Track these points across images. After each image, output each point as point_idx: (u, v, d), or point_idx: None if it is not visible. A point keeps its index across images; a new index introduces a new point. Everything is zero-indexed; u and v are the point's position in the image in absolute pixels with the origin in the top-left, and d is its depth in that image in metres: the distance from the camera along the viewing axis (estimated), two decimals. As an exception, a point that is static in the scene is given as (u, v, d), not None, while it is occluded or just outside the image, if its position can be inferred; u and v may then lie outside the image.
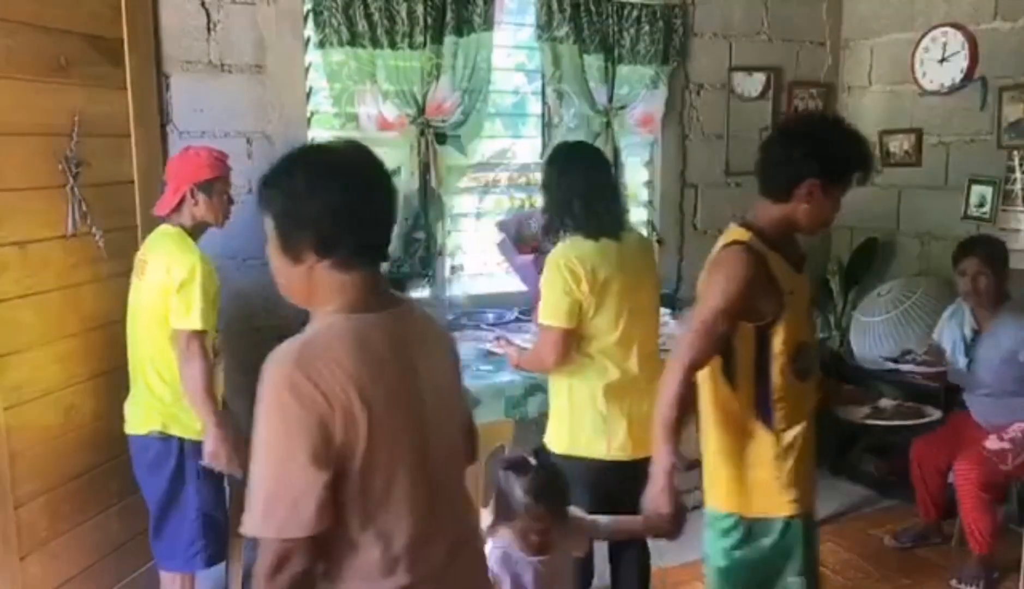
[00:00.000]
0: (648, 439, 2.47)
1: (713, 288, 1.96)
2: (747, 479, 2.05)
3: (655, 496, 1.95)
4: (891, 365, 3.82)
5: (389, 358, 1.39)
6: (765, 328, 1.96)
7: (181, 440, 2.56)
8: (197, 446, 2.54)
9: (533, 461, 2.11)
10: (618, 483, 2.52)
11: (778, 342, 1.96)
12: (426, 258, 3.69)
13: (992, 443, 3.24)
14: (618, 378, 2.43)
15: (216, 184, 2.61)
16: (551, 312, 2.42)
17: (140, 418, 2.58)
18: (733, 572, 2.12)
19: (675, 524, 1.99)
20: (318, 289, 1.40)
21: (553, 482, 2.09)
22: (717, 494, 2.13)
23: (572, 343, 2.43)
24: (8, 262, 2.43)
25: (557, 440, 2.52)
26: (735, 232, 2.01)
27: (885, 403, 3.97)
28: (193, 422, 2.53)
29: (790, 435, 2.02)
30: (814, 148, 1.94)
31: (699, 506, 2.24)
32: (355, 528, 1.34)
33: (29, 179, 2.51)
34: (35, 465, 2.54)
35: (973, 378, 3.44)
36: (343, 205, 1.37)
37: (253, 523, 1.28)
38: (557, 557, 2.12)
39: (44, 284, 2.56)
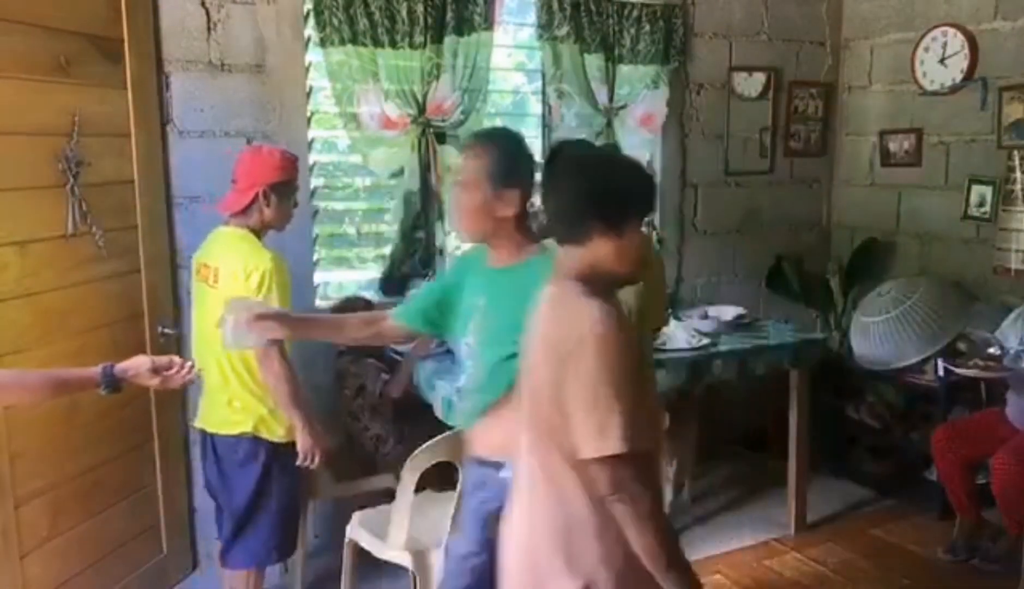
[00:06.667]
0: None
1: None
2: None
3: None
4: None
5: None
6: None
7: (270, 442, 2.59)
8: (281, 447, 2.60)
9: None
10: None
11: None
12: (426, 258, 3.69)
13: None
14: None
15: (288, 187, 2.63)
16: None
17: (231, 420, 2.59)
18: None
19: None
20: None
21: None
22: None
23: None
24: (8, 262, 2.43)
25: None
26: None
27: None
28: (278, 426, 2.59)
29: None
30: None
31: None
32: None
33: (29, 179, 2.51)
34: (36, 464, 2.53)
35: None
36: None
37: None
38: None
39: (44, 284, 2.56)
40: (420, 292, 2.31)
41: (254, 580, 2.71)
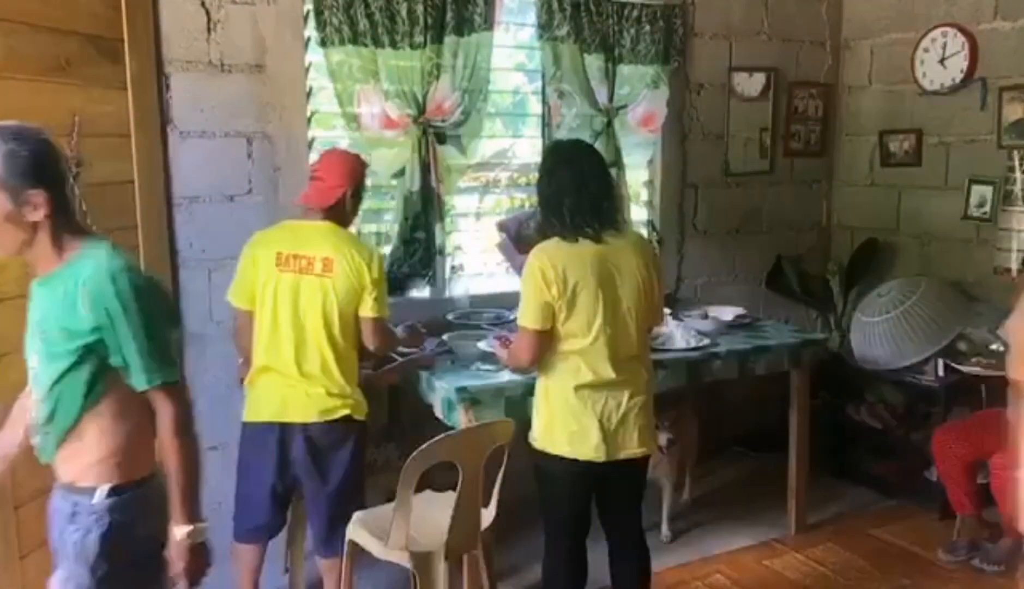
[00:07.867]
0: (623, 442, 2.48)
1: None
2: None
3: None
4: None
5: None
6: None
7: (359, 422, 2.76)
8: (365, 427, 2.80)
9: None
10: (592, 482, 2.54)
11: None
12: (426, 258, 3.69)
13: None
14: (591, 380, 2.43)
15: (363, 190, 2.85)
16: (523, 314, 2.46)
17: (330, 406, 2.69)
18: None
19: None
20: None
21: None
22: None
23: (544, 344, 2.46)
24: (8, 262, 2.43)
25: (537, 437, 2.53)
26: None
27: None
28: (365, 407, 2.77)
29: None
30: None
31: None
32: None
33: (29, 179, 2.51)
34: (35, 465, 2.52)
35: None
36: None
37: None
38: None
39: (44, 284, 2.56)
40: None
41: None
